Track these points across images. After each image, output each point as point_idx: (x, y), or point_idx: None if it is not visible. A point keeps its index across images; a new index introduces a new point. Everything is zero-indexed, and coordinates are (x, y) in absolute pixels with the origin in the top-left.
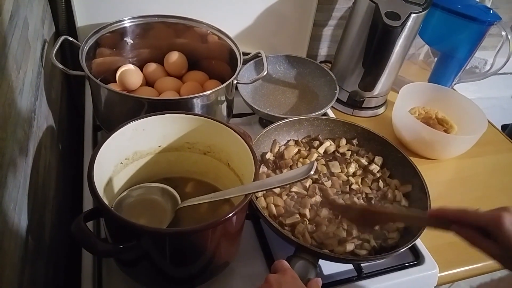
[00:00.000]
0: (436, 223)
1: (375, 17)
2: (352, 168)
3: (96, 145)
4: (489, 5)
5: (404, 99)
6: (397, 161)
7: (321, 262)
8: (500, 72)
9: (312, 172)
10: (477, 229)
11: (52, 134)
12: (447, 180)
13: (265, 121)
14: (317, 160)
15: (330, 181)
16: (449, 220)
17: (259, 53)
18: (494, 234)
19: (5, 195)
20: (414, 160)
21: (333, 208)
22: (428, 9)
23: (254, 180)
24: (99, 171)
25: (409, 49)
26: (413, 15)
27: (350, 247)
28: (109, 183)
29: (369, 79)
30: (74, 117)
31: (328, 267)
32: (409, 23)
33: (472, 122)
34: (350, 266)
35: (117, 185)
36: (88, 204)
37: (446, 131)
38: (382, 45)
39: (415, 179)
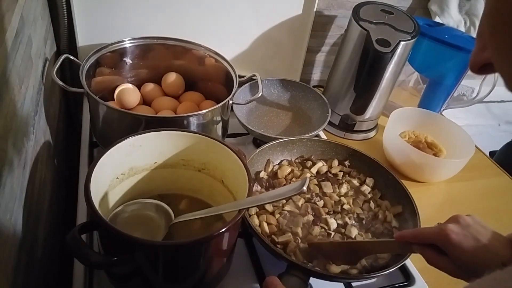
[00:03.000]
0: (402, 247)
1: (367, 43)
2: (344, 189)
3: (92, 161)
4: (474, 36)
5: (394, 123)
6: (388, 183)
7: (313, 281)
8: (487, 100)
9: (304, 188)
10: (433, 247)
11: (49, 149)
12: (436, 203)
13: (259, 141)
14: (309, 179)
15: (322, 200)
16: (410, 242)
17: (254, 75)
18: (444, 249)
19: (2, 205)
20: (404, 183)
21: (314, 248)
22: (416, 38)
23: (247, 197)
24: (95, 184)
25: (399, 75)
26: (402, 43)
27: (342, 267)
28: (104, 197)
29: (360, 103)
30: (70, 134)
31: (320, 287)
32: (398, 50)
33: (460, 147)
34: (341, 286)
35: (112, 200)
36: (81, 218)
37: (435, 154)
38: (373, 70)
39: (406, 201)
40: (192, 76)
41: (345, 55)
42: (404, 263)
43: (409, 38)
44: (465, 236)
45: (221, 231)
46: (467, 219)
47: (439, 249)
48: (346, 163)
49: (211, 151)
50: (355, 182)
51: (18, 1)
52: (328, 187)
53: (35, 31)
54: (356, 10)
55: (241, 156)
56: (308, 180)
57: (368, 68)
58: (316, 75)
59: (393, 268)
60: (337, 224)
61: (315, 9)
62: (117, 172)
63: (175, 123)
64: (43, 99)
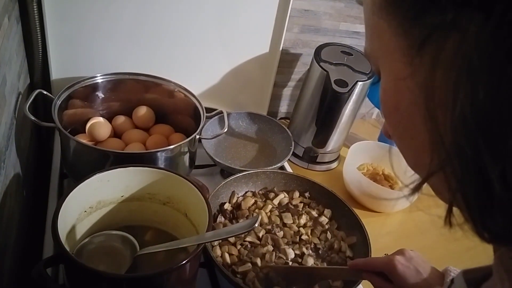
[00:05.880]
0: (354, 274)
1: (326, 83)
2: (303, 220)
3: (62, 194)
4: None
5: (353, 156)
6: (344, 214)
7: None
8: None
9: (256, 225)
10: (381, 275)
11: (18, 181)
12: (392, 232)
13: (226, 172)
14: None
15: (282, 231)
16: (361, 270)
17: (221, 111)
18: (391, 278)
19: None
20: (362, 213)
21: (275, 271)
22: (372, 78)
23: (207, 231)
24: (63, 219)
25: (359, 110)
26: (359, 83)
27: None
28: (72, 230)
29: (321, 137)
30: (41, 164)
31: None
32: (356, 89)
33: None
34: None
35: (80, 232)
36: (48, 249)
37: (391, 186)
38: (331, 108)
39: (359, 231)
40: (162, 109)
41: (307, 92)
42: None
43: (366, 79)
44: (408, 267)
45: (181, 264)
46: (411, 252)
47: (386, 277)
48: (307, 194)
49: (175, 186)
50: (314, 213)
51: None
52: (288, 218)
53: (10, 69)
54: (318, 51)
55: (203, 191)
56: (259, 218)
57: (327, 106)
58: (283, 108)
59: None
60: (295, 254)
61: (281, 48)
62: (85, 206)
63: (143, 159)
64: (15, 133)
